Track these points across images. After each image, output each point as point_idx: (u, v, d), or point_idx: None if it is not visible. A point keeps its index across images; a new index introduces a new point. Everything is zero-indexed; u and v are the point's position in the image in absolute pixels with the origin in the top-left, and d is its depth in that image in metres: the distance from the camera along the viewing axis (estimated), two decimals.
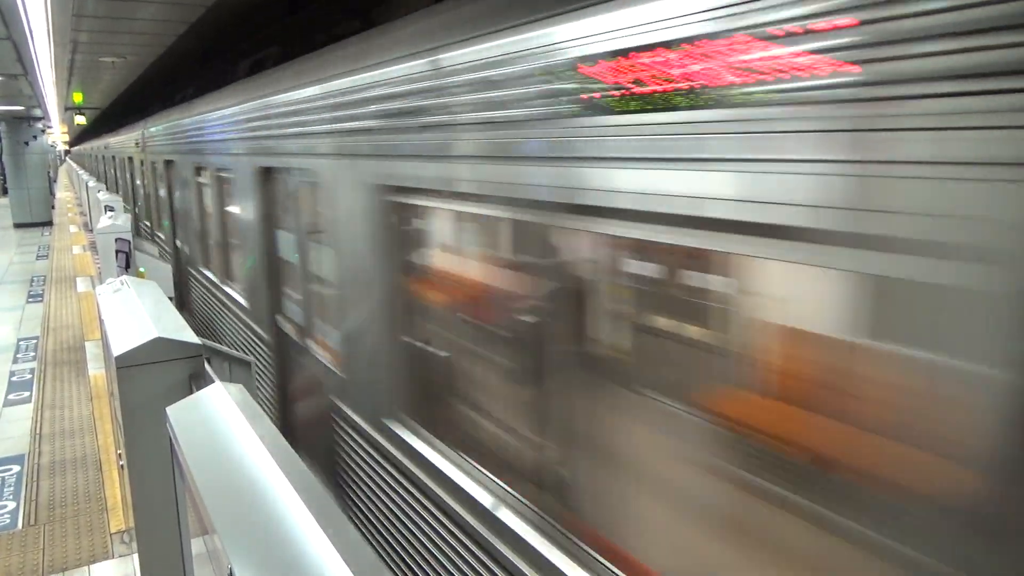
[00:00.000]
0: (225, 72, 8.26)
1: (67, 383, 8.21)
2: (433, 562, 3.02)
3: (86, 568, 4.61)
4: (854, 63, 1.27)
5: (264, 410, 2.43)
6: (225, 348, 4.63)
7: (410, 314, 3.34)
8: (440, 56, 2.66)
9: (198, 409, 2.45)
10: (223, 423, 2.24)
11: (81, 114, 20.47)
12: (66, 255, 17.93)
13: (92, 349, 9.50)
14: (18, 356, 9.36)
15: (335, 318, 4.06)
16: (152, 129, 10.73)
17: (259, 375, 5.50)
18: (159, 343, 3.26)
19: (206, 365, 3.54)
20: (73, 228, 23.91)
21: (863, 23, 1.25)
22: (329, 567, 1.49)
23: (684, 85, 1.63)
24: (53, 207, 28.84)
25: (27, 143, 24.95)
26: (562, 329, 2.31)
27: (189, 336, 3.43)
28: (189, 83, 11.31)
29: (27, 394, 7.90)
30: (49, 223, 25.52)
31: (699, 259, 1.89)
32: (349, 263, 3.75)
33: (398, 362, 3.35)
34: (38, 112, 24.05)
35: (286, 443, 2.10)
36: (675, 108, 1.67)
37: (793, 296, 1.65)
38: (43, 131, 26.37)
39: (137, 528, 3.27)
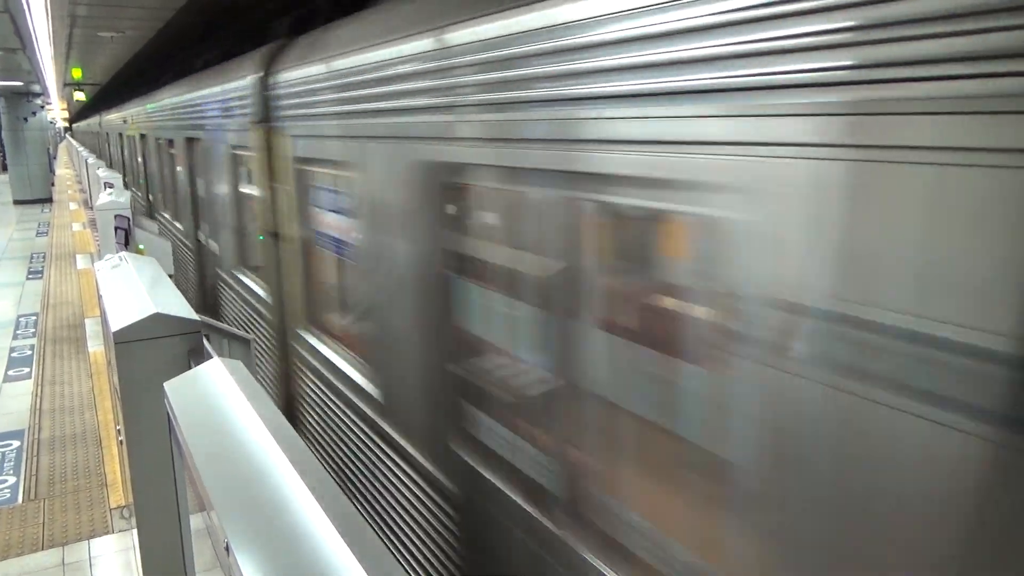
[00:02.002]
0: (225, 48, 8.18)
1: (67, 359, 8.21)
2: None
3: (86, 543, 4.63)
4: None
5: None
6: (224, 325, 4.62)
7: (244, 221, 6.15)
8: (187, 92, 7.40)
9: (196, 384, 2.44)
10: (221, 398, 2.23)
11: (80, 90, 20.33)
12: (66, 232, 17.89)
13: (92, 326, 9.50)
14: (18, 332, 9.36)
15: (216, 226, 7.10)
16: (133, 110, 14.03)
17: (187, 268, 9.10)
18: (157, 319, 3.25)
19: (204, 341, 3.53)
20: (73, 205, 23.84)
21: None
22: (326, 542, 1.49)
23: None
24: (53, 184, 28.74)
25: (26, 119, 24.80)
26: None
27: (188, 312, 3.41)
28: (189, 59, 11.21)
29: (27, 370, 7.90)
30: (49, 200, 25.44)
31: None
32: (214, 191, 6.85)
33: (235, 246, 6.35)
34: (37, 88, 23.89)
35: (284, 419, 2.09)
36: None
37: None
38: (42, 107, 26.20)
39: (136, 504, 3.27)
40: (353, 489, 3.84)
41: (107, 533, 4.73)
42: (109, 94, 24.86)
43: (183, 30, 9.27)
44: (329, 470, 4.11)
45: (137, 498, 3.26)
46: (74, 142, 45.00)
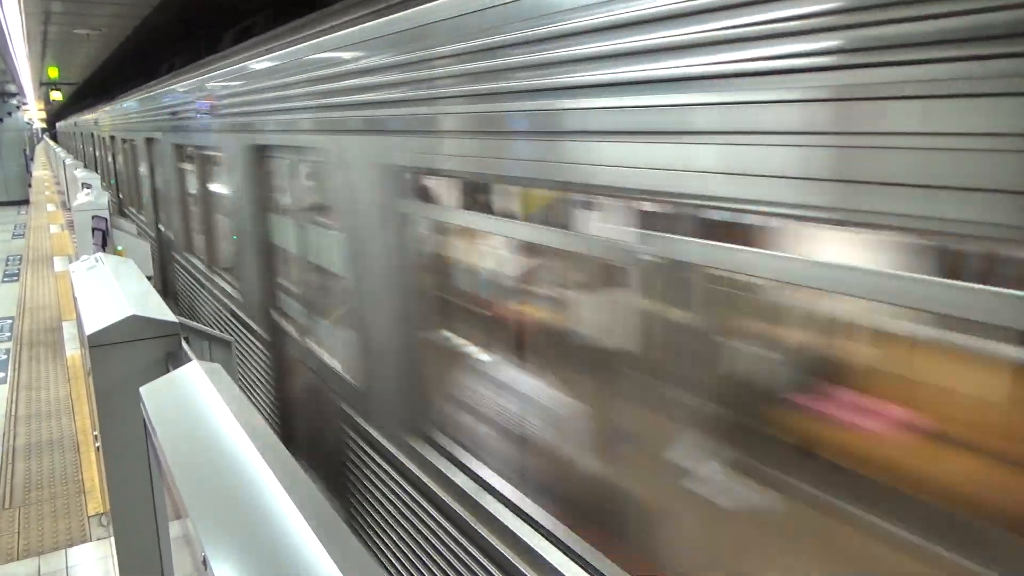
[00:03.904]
0: (202, 45, 8.05)
1: (44, 364, 8.04)
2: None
3: (63, 551, 4.50)
4: None
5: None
6: (204, 327, 4.51)
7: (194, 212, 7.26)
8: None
9: (173, 389, 2.36)
10: (198, 403, 2.15)
11: (57, 90, 20.00)
12: (43, 234, 17.58)
13: (69, 329, 9.32)
14: None
15: (171, 218, 8.62)
16: (102, 112, 15.70)
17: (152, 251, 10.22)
18: (134, 321, 3.15)
19: (183, 344, 3.44)
20: (51, 207, 23.45)
21: None
22: (310, 555, 1.42)
23: None
24: (30, 185, 28.26)
25: (1, 120, 24.39)
26: None
27: (166, 314, 3.32)
28: (166, 57, 11.04)
29: (2, 375, 7.72)
30: (26, 202, 25.02)
31: None
32: (169, 187, 8.09)
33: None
34: (12, 88, 23.49)
35: (264, 424, 2.01)
36: None
37: None
38: (18, 107, 25.78)
39: (112, 511, 3.18)
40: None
41: (85, 541, 4.61)
42: (87, 95, 24.50)
43: (159, 29, 9.13)
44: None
45: (114, 505, 3.17)
46: (52, 143, 44.27)
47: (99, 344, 3.10)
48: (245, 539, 1.49)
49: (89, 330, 3.09)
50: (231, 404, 2.07)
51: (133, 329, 3.14)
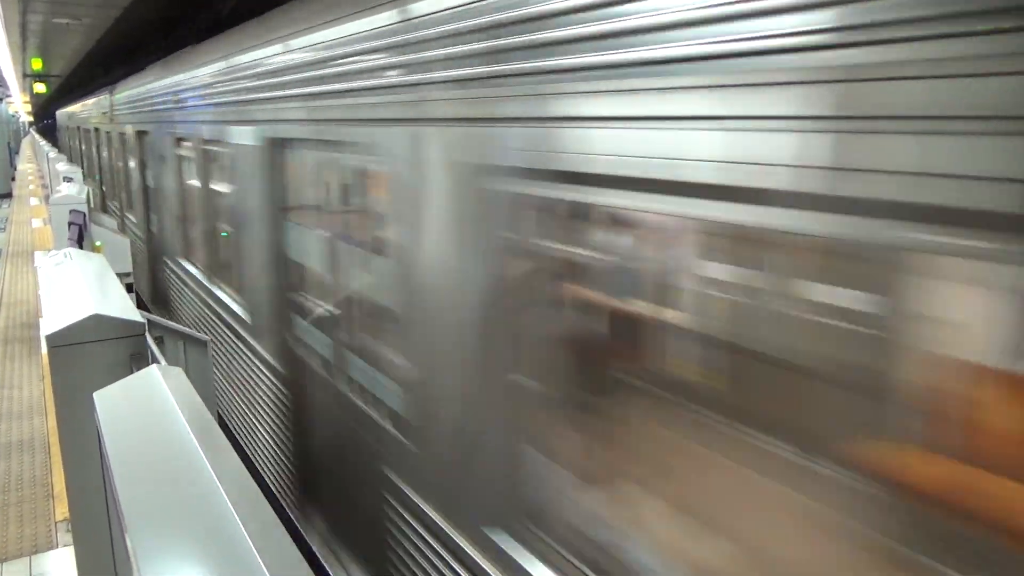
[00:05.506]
0: (185, 37, 7.88)
1: (19, 361, 7.84)
2: None
3: (27, 559, 4.34)
4: None
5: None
6: (179, 326, 4.35)
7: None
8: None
9: (127, 395, 2.22)
10: (152, 411, 2.01)
11: (41, 81, 19.73)
12: (24, 228, 17.29)
13: None
14: None
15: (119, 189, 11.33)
16: (76, 107, 18.08)
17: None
18: (96, 320, 3.00)
19: (152, 344, 3.29)
20: (34, 200, 23.08)
21: None
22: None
23: None
24: (13, 179, 27.86)
25: None
26: None
27: (131, 313, 3.17)
28: (152, 49, 10.84)
29: None
30: (9, 195, 24.66)
31: None
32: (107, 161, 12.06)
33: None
34: None
35: (220, 433, 1.88)
36: None
37: None
38: (1, 100, 25.42)
39: (73, 518, 3.03)
40: None
41: (50, 548, 4.44)
42: (74, 87, 24.18)
43: (142, 20, 8.94)
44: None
45: (74, 512, 3.02)
46: (38, 137, 43.72)
47: (59, 344, 2.95)
48: (185, 563, 1.36)
49: (48, 330, 2.94)
50: (185, 411, 1.93)
51: (95, 329, 3.00)
